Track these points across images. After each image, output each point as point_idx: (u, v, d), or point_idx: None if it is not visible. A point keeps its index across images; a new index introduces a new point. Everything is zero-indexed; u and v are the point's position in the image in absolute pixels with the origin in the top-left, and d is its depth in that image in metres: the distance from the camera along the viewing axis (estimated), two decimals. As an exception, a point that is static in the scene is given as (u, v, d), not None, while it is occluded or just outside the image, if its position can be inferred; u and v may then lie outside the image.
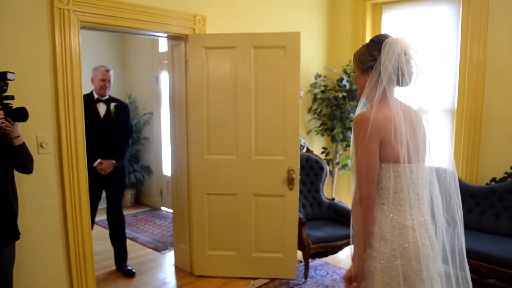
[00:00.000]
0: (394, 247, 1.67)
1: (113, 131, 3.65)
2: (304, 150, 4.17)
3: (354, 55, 1.83)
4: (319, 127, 4.56)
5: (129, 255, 3.93)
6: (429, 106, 1.75)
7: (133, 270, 3.76)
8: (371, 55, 1.74)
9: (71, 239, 2.89)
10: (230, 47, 3.41)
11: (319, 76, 4.50)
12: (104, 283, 3.58)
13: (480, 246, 3.20)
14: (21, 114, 2.20)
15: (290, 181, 3.47)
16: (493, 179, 3.70)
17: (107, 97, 3.67)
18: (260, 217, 3.57)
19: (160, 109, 6.04)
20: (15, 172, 2.29)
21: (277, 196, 3.52)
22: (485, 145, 3.82)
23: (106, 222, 3.94)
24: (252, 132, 3.47)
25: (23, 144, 2.27)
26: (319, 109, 4.54)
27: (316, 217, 4.06)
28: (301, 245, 3.57)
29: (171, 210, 4.70)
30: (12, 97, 2.24)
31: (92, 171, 3.45)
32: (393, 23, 4.47)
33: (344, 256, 4.05)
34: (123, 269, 3.77)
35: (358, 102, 4.42)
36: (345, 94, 4.35)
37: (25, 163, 2.30)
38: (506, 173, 3.65)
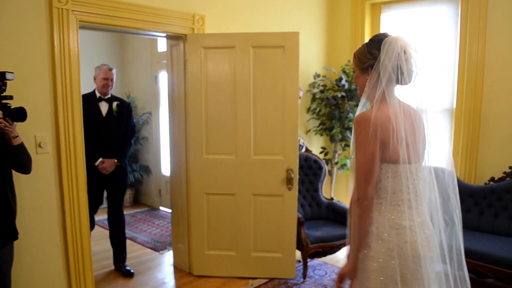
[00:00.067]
0: (391, 247, 1.67)
1: (115, 130, 3.64)
2: (303, 150, 4.17)
3: (354, 54, 1.82)
4: (318, 127, 4.56)
5: (128, 255, 3.93)
6: (429, 105, 1.75)
7: (132, 271, 3.76)
8: (371, 53, 1.73)
9: (70, 239, 2.89)
10: (229, 47, 3.41)
11: (318, 76, 4.50)
12: (103, 283, 3.58)
13: (479, 245, 3.20)
14: (20, 114, 2.20)
15: (289, 181, 3.47)
16: (492, 179, 3.71)
17: (109, 96, 3.66)
18: (259, 217, 3.57)
19: (159, 109, 6.04)
20: (13, 172, 2.29)
21: (276, 196, 3.52)
22: (484, 145, 3.82)
23: (104, 222, 3.93)
24: (251, 132, 3.47)
25: (22, 144, 2.26)
26: (318, 109, 4.54)
27: (315, 217, 4.07)
28: (300, 245, 3.57)
29: (169, 210, 4.70)
30: (10, 97, 2.24)
31: (93, 170, 3.45)
32: (392, 23, 4.47)
33: (343, 256, 4.04)
34: (121, 269, 3.77)
35: (357, 102, 4.40)
36: (344, 94, 4.35)
37: (24, 163, 2.29)
38: (504, 172, 3.65)
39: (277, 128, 3.45)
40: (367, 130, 1.64)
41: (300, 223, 3.56)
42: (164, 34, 3.47)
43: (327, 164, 4.44)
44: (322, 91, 4.49)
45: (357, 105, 4.29)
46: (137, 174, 6.13)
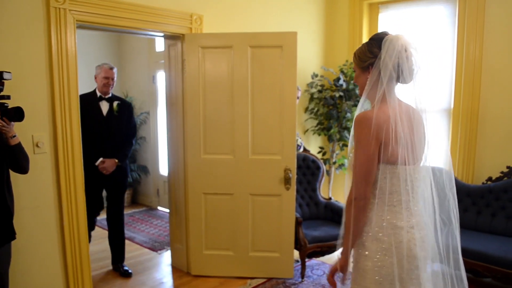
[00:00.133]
0: (386, 246, 1.68)
1: (115, 129, 3.61)
2: (301, 149, 4.18)
3: (354, 53, 1.81)
4: (316, 126, 4.57)
5: (126, 255, 3.92)
6: (428, 105, 1.74)
7: (130, 271, 3.75)
8: (371, 52, 1.72)
9: (67, 238, 2.88)
10: (227, 47, 3.41)
11: (316, 75, 4.50)
12: (101, 283, 3.57)
13: (476, 245, 3.21)
14: (17, 114, 2.20)
15: (286, 181, 3.47)
16: (489, 179, 3.72)
17: (110, 95, 3.63)
18: (257, 216, 3.57)
19: (156, 109, 6.03)
20: (10, 171, 2.28)
21: (274, 195, 3.52)
22: (481, 145, 3.83)
23: (102, 222, 3.91)
24: (249, 131, 3.47)
25: (19, 144, 2.26)
26: (316, 109, 4.54)
27: (313, 216, 4.07)
28: (298, 245, 3.57)
29: (167, 210, 4.69)
30: (8, 97, 2.23)
31: (93, 170, 3.43)
32: (390, 23, 4.48)
33: (337, 253, 4.05)
34: (119, 270, 3.76)
35: (355, 101, 4.40)
36: (342, 93, 4.35)
37: (21, 163, 2.29)
38: (502, 172, 3.66)
39: (275, 128, 3.45)
40: (368, 130, 1.63)
41: (298, 223, 3.56)
42: (162, 34, 3.47)
43: (325, 164, 4.44)
44: (320, 91, 4.49)
45: (355, 105, 4.31)
46: (135, 174, 6.12)
